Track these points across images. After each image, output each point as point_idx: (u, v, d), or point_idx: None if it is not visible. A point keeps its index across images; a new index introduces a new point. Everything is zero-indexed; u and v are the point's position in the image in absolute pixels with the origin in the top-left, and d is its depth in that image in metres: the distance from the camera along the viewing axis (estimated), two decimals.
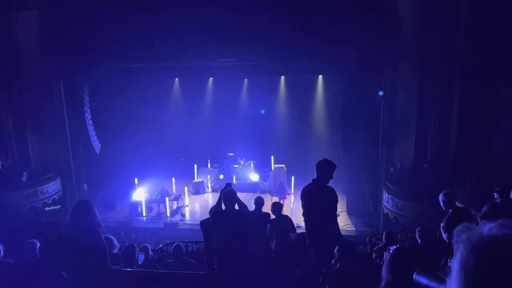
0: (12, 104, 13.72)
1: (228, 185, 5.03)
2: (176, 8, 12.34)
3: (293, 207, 14.98)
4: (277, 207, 6.94)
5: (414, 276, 1.49)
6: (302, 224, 6.64)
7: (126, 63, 14.23)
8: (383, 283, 1.99)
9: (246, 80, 18.34)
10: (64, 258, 3.89)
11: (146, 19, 12.47)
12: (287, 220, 6.81)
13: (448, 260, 1.25)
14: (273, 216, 6.77)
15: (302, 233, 5.50)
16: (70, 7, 12.58)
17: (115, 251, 5.67)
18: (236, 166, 17.21)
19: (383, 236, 6.60)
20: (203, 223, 5.89)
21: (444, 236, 5.19)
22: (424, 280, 1.45)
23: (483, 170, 10.22)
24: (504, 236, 1.06)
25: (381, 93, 12.62)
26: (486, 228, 1.10)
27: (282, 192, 15.09)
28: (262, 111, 18.24)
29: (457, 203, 5.64)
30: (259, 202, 6.47)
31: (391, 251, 3.50)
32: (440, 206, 5.57)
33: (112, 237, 5.76)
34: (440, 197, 5.44)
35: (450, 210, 5.36)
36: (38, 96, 13.89)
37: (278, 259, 6.02)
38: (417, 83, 11.98)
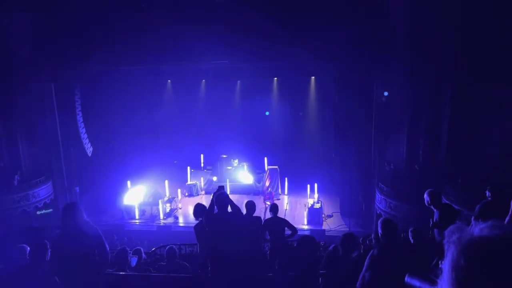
0: (2, 108, 13.58)
1: (221, 187, 5.01)
2: (169, 10, 12.32)
3: (287, 208, 14.98)
4: (274, 208, 6.95)
5: (406, 278, 1.50)
6: (297, 226, 6.70)
7: (118, 66, 14.17)
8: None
9: (238, 82, 18.35)
10: (59, 262, 3.84)
11: (138, 22, 12.43)
12: (283, 222, 6.78)
13: (439, 262, 1.25)
14: (268, 215, 6.79)
15: (306, 235, 5.48)
16: (61, 11, 12.49)
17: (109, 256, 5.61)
18: (229, 168, 17.18)
19: (372, 237, 6.63)
20: (197, 227, 5.85)
21: (437, 236, 5.17)
22: (416, 283, 1.46)
23: (474, 170, 10.32)
24: (495, 237, 1.06)
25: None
26: (477, 229, 1.10)
27: (270, 197, 15.03)
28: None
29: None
30: (251, 206, 6.45)
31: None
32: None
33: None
34: (425, 196, 5.33)
35: (436, 210, 5.31)
36: (29, 100, 13.77)
37: (272, 260, 6.01)
38: (408, 86, 12.07)
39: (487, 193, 5.78)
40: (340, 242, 4.80)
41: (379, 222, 4.62)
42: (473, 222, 5.59)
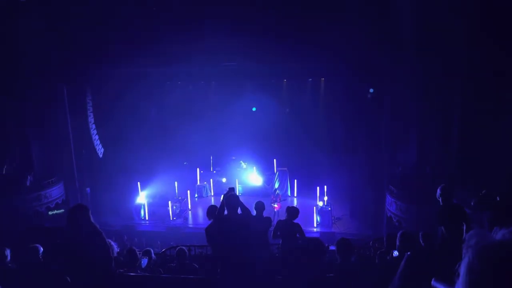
0: (15, 109, 13.77)
1: (231, 189, 5.00)
2: (179, 12, 12.40)
3: None
4: (293, 212, 6.84)
5: (432, 282, 1.51)
6: (306, 228, 6.65)
7: (128, 67, 14.30)
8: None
9: (248, 84, 18.35)
10: (67, 263, 3.89)
11: (148, 24, 12.55)
12: (296, 227, 6.72)
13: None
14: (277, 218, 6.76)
15: (313, 237, 5.45)
16: (72, 13, 12.64)
17: (115, 255, 5.65)
18: (239, 169, 17.22)
19: (384, 240, 6.56)
20: (209, 230, 5.86)
21: (441, 229, 5.26)
22: (441, 287, 1.46)
23: (487, 172, 10.18)
24: (510, 242, 1.06)
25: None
26: (500, 234, 1.10)
27: (276, 199, 15.03)
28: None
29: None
30: (260, 207, 6.42)
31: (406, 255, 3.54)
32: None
33: (111, 241, 5.75)
34: (437, 191, 5.52)
35: (441, 204, 5.41)
36: (41, 101, 13.95)
37: (283, 263, 5.99)
38: (419, 87, 11.98)
39: (497, 198, 5.75)
40: (336, 249, 4.76)
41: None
42: (486, 225, 5.56)
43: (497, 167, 10.14)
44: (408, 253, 3.87)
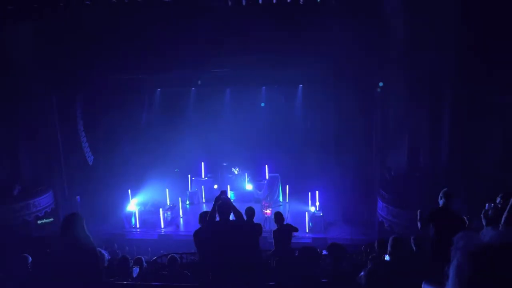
0: (3, 117, 13.59)
1: (223, 192, 4.97)
2: (167, 20, 12.43)
3: (288, 216, 14.93)
4: (278, 217, 7.00)
5: (422, 285, 1.51)
6: (298, 234, 6.72)
7: (119, 75, 14.26)
8: None
9: (238, 89, 18.35)
10: (57, 273, 3.83)
11: (137, 32, 12.56)
12: (289, 228, 6.92)
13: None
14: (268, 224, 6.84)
15: (307, 246, 5.47)
16: (61, 22, 12.59)
17: (105, 264, 5.58)
18: (230, 176, 17.18)
19: (376, 245, 6.60)
20: (197, 234, 5.82)
21: (418, 224, 5.43)
22: None
23: (477, 176, 10.28)
24: (500, 244, 1.06)
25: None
26: (488, 236, 1.11)
27: (268, 206, 14.98)
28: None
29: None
30: (251, 212, 6.42)
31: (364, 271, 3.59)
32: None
33: (102, 250, 5.68)
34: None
35: (436, 207, 5.51)
36: (30, 109, 13.79)
37: (279, 268, 6.04)
38: (409, 91, 12.08)
39: (498, 200, 5.78)
40: (327, 255, 4.82)
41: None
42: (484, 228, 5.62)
43: (487, 170, 10.25)
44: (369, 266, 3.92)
